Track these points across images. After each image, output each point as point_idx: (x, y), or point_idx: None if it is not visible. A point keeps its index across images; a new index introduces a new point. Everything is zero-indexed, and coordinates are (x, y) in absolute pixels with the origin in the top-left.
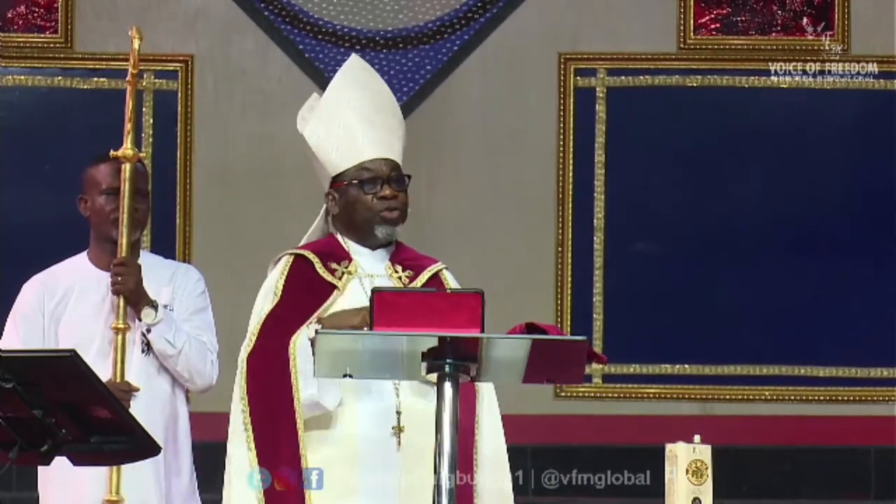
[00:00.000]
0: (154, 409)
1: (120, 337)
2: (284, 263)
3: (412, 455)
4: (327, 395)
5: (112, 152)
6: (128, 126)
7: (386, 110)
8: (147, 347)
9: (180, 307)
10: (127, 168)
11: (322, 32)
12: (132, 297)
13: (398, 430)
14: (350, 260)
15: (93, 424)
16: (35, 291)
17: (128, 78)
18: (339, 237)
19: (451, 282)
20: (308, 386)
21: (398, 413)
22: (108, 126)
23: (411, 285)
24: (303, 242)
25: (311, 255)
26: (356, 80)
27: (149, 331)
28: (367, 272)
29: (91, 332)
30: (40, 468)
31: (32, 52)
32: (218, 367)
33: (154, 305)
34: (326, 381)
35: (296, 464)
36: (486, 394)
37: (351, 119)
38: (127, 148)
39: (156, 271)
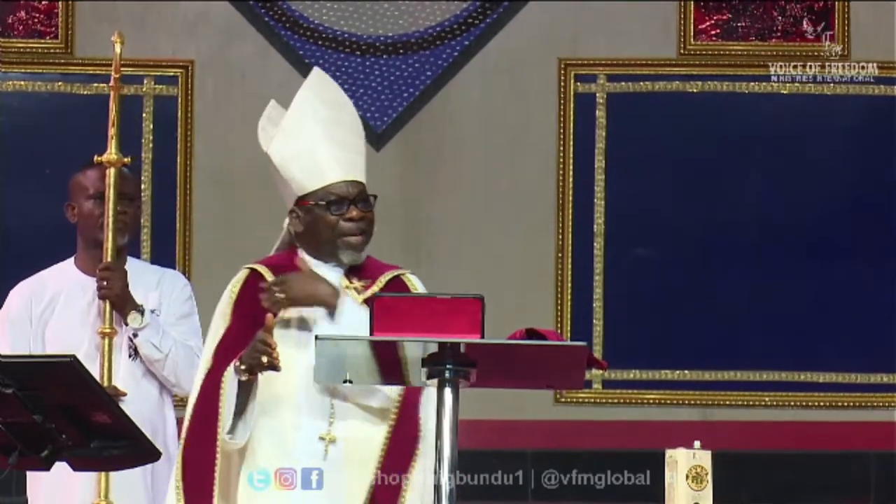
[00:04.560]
0: (141, 413)
1: (107, 341)
2: (237, 280)
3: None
4: (236, 433)
5: (97, 157)
6: (111, 131)
7: (349, 127)
8: (134, 352)
9: (167, 312)
10: (111, 173)
11: (322, 38)
12: (118, 301)
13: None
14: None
15: (93, 429)
16: (22, 297)
17: (111, 83)
18: (300, 252)
19: (417, 285)
20: (224, 421)
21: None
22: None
23: (367, 292)
24: (269, 255)
25: (263, 270)
26: (320, 95)
27: (135, 335)
28: None
29: (78, 337)
30: (29, 472)
31: (32, 57)
32: None
33: (140, 310)
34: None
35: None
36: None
37: (316, 137)
38: (111, 153)
39: (142, 277)
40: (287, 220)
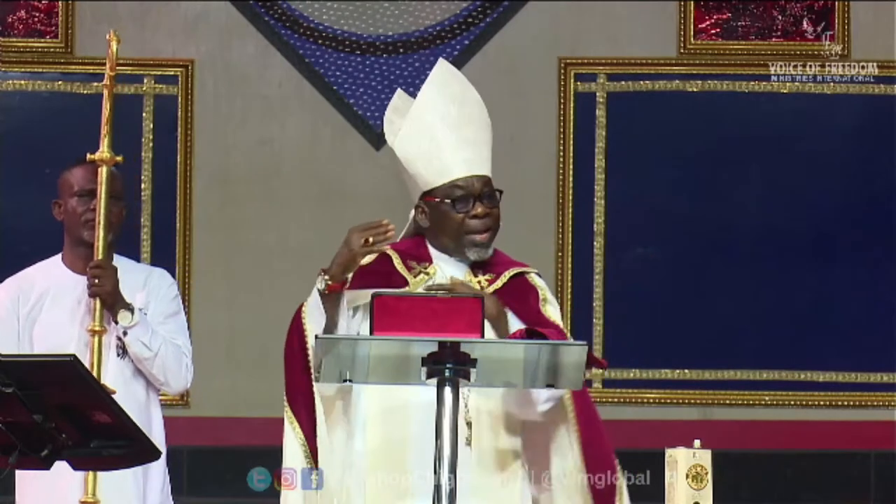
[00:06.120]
0: (130, 409)
1: (96, 339)
2: (368, 258)
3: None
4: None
5: (89, 155)
6: (104, 129)
7: (476, 121)
8: (122, 351)
9: (154, 311)
10: (104, 171)
11: (322, 37)
12: (109, 299)
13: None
14: (431, 262)
15: (93, 429)
16: (9, 294)
17: (105, 81)
18: (427, 242)
19: (540, 285)
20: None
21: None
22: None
23: (490, 287)
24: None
25: (391, 252)
26: (447, 89)
27: (125, 333)
28: (445, 276)
29: (67, 335)
30: (17, 472)
31: (32, 57)
32: (192, 370)
33: (130, 308)
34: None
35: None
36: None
37: (441, 133)
38: (103, 151)
39: (130, 275)
40: (412, 213)
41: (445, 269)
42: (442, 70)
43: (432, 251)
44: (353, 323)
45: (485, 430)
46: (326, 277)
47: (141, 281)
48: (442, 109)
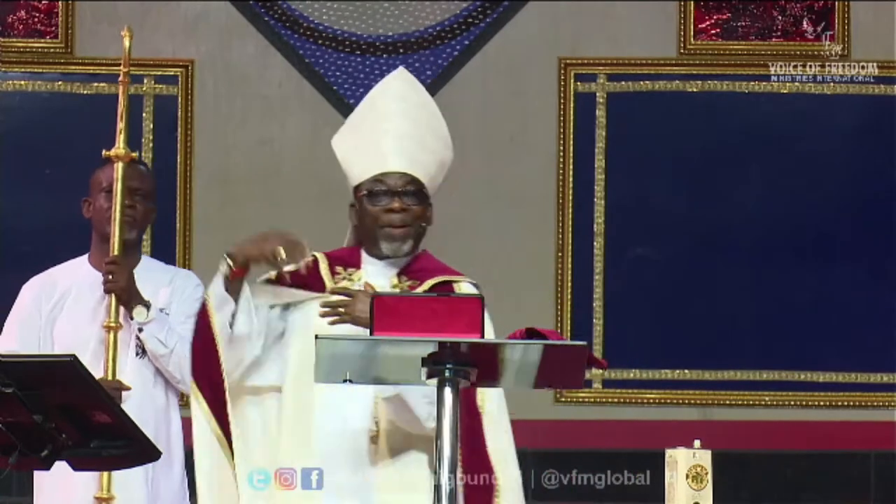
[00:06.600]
0: (146, 411)
1: (112, 335)
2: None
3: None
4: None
5: (105, 152)
6: (120, 125)
7: (417, 122)
8: (142, 350)
9: (177, 311)
10: (119, 167)
11: (322, 37)
12: (123, 295)
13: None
14: (358, 269)
15: (93, 429)
16: (33, 293)
17: (121, 78)
18: (361, 248)
19: (471, 294)
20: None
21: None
22: (108, 131)
23: (411, 294)
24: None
25: (321, 256)
26: (394, 92)
27: (140, 330)
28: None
29: (86, 334)
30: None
31: (32, 57)
32: None
33: (147, 305)
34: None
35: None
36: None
37: (375, 128)
38: (119, 147)
39: (156, 273)
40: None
41: (372, 275)
42: (395, 73)
43: (364, 257)
44: (288, 316)
45: (393, 430)
46: (230, 262)
47: (166, 280)
48: (382, 108)
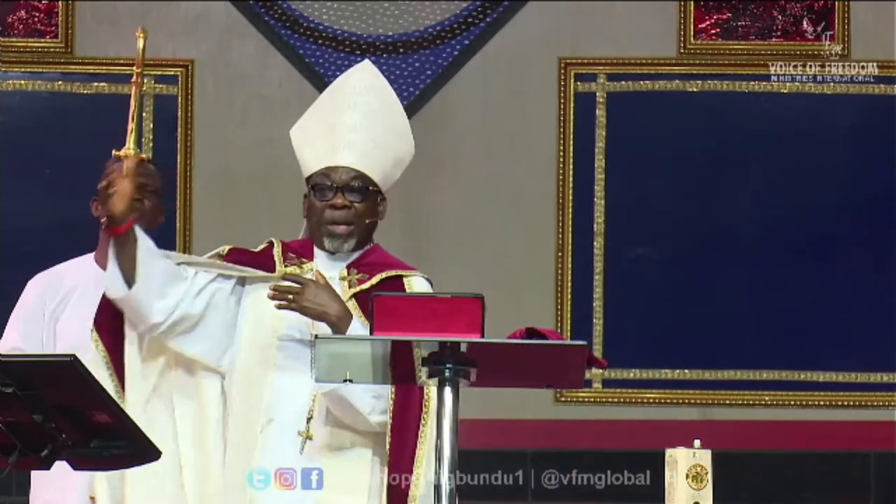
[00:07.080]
0: None
1: None
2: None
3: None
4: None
5: (114, 151)
6: (131, 125)
7: (380, 120)
8: None
9: None
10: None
11: (322, 37)
12: None
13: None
14: (309, 260)
15: (93, 429)
16: (38, 289)
17: (133, 78)
18: (314, 241)
19: (416, 288)
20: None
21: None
22: (108, 131)
23: (358, 287)
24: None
25: (276, 241)
26: (354, 85)
27: None
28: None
29: (89, 331)
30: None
31: (32, 57)
32: None
33: None
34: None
35: None
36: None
37: (332, 123)
38: (129, 147)
39: None
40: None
41: (322, 268)
42: (359, 65)
43: (316, 251)
44: (243, 298)
45: (333, 428)
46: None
47: None
48: (340, 100)
